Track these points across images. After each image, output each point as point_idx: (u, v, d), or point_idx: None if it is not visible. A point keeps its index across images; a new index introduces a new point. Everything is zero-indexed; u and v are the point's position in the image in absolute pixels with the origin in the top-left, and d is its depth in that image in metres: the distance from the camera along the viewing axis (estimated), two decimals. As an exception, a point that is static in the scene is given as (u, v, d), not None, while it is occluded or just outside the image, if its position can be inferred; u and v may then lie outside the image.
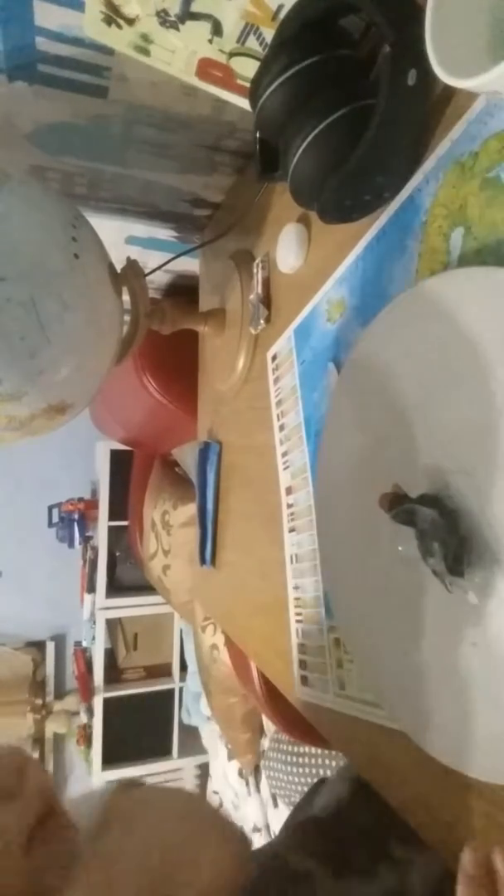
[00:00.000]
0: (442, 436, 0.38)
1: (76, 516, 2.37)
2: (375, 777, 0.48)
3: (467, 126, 0.38)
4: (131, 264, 0.67)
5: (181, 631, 2.34)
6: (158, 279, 1.22)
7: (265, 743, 1.61)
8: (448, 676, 0.38)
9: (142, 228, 1.01)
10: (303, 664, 0.60)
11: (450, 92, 0.40)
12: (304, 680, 0.59)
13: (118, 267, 0.65)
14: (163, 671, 2.42)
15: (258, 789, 1.73)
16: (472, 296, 0.35)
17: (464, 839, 0.37)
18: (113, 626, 2.38)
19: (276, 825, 1.62)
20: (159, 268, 0.82)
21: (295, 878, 0.43)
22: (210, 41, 0.54)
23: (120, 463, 2.19)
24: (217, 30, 0.53)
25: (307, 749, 1.30)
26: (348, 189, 0.42)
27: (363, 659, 0.47)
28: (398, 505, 0.39)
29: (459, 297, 0.36)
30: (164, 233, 1.03)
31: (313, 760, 1.30)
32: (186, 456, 1.70)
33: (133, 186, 0.87)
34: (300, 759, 1.34)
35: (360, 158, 0.39)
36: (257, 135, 0.48)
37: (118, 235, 1.02)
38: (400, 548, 0.40)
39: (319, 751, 1.27)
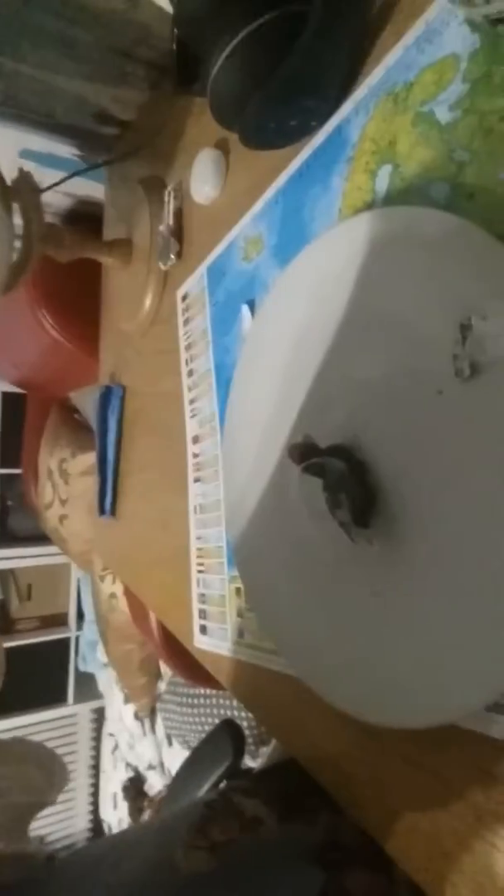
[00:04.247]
0: (353, 386, 0.37)
1: (-37, 462, 2.21)
2: (274, 726, 0.48)
3: (404, 52, 0.35)
4: (25, 176, 0.59)
5: (79, 580, 2.30)
6: (58, 203, 1.10)
7: (161, 686, 1.64)
8: (348, 624, 0.38)
9: (39, 142, 0.90)
10: (202, 613, 0.59)
11: (388, 10, 0.37)
12: (203, 629, 0.59)
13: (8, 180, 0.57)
14: (58, 621, 2.38)
15: (153, 730, 1.77)
16: (395, 239, 0.34)
17: (368, 792, 0.37)
18: (5, 576, 2.30)
19: (171, 763, 1.68)
20: (59, 183, 0.73)
21: (241, 818, 0.44)
22: None
23: (13, 406, 2.08)
24: None
25: (203, 690, 1.34)
26: (274, 108, 0.38)
27: (263, 608, 0.47)
28: (308, 457, 0.38)
29: (381, 240, 0.35)
30: (66, 150, 0.93)
31: (209, 701, 1.34)
32: (86, 400, 1.62)
33: (30, 88, 0.77)
34: (196, 701, 1.38)
35: (289, 72, 0.35)
36: (175, 32, 0.43)
37: (11, 146, 0.90)
38: (306, 500, 0.39)
39: (215, 692, 1.31)
